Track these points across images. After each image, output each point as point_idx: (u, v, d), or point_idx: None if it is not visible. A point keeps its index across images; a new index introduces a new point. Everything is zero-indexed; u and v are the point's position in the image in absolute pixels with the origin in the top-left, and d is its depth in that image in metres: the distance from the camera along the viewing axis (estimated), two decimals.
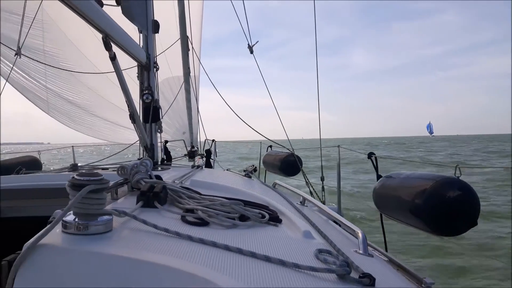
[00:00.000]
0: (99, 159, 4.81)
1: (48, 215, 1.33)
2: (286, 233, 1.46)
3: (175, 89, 6.71)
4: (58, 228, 1.12)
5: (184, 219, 1.43)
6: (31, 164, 3.91)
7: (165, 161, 5.18)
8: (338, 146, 5.16)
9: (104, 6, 3.01)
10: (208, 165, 5.92)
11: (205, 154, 6.19)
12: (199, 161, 6.49)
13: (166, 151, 5.50)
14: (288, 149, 4.89)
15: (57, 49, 5.86)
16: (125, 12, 3.44)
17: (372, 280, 0.99)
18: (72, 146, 6.00)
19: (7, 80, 5.13)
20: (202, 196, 1.75)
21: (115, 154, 5.79)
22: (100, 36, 2.82)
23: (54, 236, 1.07)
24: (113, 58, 3.00)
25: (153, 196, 1.56)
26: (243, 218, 1.51)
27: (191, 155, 6.32)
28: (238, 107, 5.92)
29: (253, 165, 4.22)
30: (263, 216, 1.56)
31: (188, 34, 5.93)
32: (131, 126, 6.52)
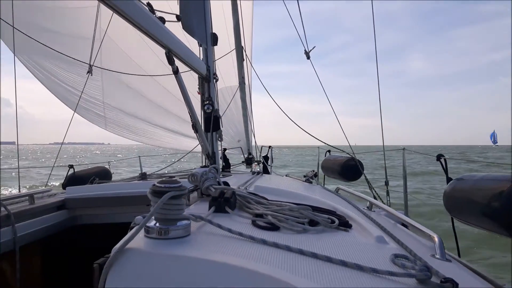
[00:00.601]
0: (162, 166, 5.03)
1: (125, 221, 1.43)
2: (357, 238, 1.45)
3: (228, 98, 6.88)
4: (141, 233, 1.21)
5: (255, 224, 1.48)
6: (103, 175, 4.19)
7: (225, 168, 5.33)
8: (403, 149, 4.98)
9: (166, 22, 3.18)
10: (265, 171, 5.99)
11: (262, 161, 6.26)
12: (255, 167, 6.59)
13: (225, 158, 5.65)
14: (348, 153, 4.82)
15: (116, 64, 6.22)
16: (185, 27, 3.60)
17: (455, 285, 0.96)
18: (139, 157, 6.36)
19: (78, 103, 5.54)
20: (269, 201, 1.79)
21: (175, 161, 6.02)
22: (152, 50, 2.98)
23: (138, 240, 1.15)
24: (176, 71, 3.16)
25: (224, 202, 1.62)
26: (312, 223, 1.52)
27: (248, 161, 6.44)
28: (289, 112, 5.93)
29: (313, 171, 4.21)
30: (333, 221, 1.56)
31: (242, 44, 6.07)
32: (191, 134, 6.80)
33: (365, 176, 4.55)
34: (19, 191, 4.29)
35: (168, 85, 6.41)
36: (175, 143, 7.26)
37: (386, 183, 4.85)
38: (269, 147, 6.48)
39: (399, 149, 4.99)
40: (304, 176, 3.87)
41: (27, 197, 2.58)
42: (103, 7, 5.36)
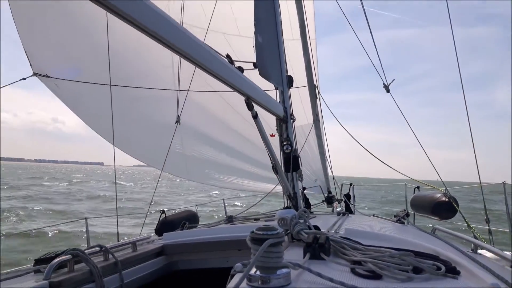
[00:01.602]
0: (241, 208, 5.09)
1: (220, 266, 1.45)
2: (468, 286, 1.31)
3: (299, 137, 6.91)
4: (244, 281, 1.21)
5: (354, 272, 1.40)
6: (192, 218, 4.35)
7: (305, 208, 5.23)
8: (503, 183, 4.51)
9: (244, 71, 3.32)
10: (348, 210, 5.79)
11: (343, 199, 6.07)
12: (337, 206, 6.39)
13: (305, 198, 5.58)
14: (439, 189, 4.48)
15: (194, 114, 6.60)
16: (261, 73, 3.73)
17: None
18: (223, 199, 6.54)
19: (165, 160, 5.94)
20: (365, 246, 1.70)
21: (255, 203, 6.08)
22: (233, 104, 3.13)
23: None
24: (255, 116, 3.26)
25: (319, 248, 1.58)
26: (416, 270, 1.41)
27: (329, 200, 6.27)
28: (360, 142, 5.68)
29: (404, 210, 3.97)
30: (439, 268, 1.43)
31: (315, 82, 6.12)
32: (268, 175, 6.87)
33: (462, 214, 4.16)
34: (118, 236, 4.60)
35: (245, 132, 6.62)
36: (253, 185, 7.37)
37: (487, 221, 4.39)
38: (350, 184, 6.29)
39: (498, 183, 4.52)
40: (395, 216, 3.67)
41: (130, 245, 2.76)
42: (182, 63, 5.80)
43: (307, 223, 1.92)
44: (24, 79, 4.69)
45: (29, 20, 4.89)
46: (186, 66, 5.77)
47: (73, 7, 5.08)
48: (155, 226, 4.20)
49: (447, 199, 4.04)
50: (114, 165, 4.81)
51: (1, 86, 4.09)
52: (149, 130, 6.22)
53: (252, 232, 1.29)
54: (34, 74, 4.99)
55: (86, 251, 2.18)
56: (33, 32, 4.97)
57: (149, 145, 6.43)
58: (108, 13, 1.58)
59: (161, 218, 4.23)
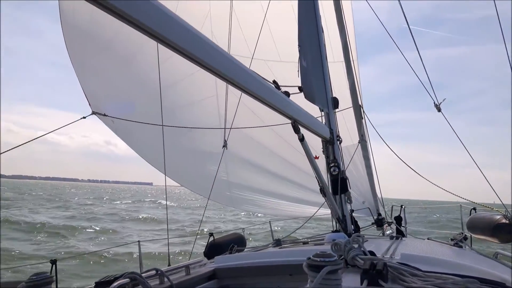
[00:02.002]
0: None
1: None
2: None
3: (346, 159, 6.81)
4: None
5: None
6: (239, 241, 4.36)
7: (354, 231, 5.11)
8: None
9: (290, 95, 3.37)
10: (399, 233, 5.58)
11: (394, 222, 5.86)
12: (387, 229, 6.17)
13: (354, 221, 5.45)
14: (498, 210, 4.22)
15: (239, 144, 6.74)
16: (307, 97, 3.76)
17: None
18: (270, 221, 6.52)
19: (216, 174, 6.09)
20: (425, 273, 1.64)
21: (300, 226, 6.00)
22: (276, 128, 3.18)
23: None
24: (301, 139, 3.27)
25: (377, 275, 1.54)
26: None
27: (379, 223, 6.07)
28: (407, 162, 5.48)
29: (462, 233, 3.77)
30: None
31: (359, 102, 6.05)
32: (314, 199, 6.79)
33: None
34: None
35: (289, 156, 6.63)
36: (299, 211, 7.31)
37: None
38: (401, 206, 6.07)
39: None
40: (452, 240, 3.49)
41: (183, 268, 2.82)
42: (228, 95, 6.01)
43: (362, 248, 1.88)
44: (84, 117, 5.08)
45: (84, 63, 5.34)
46: (232, 95, 5.96)
47: (126, 52, 5.49)
48: (204, 248, 4.25)
49: (507, 221, 3.79)
50: (166, 189, 4.97)
51: (66, 124, 4.39)
52: (196, 159, 6.44)
53: (309, 258, 1.29)
54: (93, 113, 5.42)
55: (142, 274, 2.25)
56: (89, 73, 5.42)
57: (196, 173, 6.64)
58: (160, 52, 1.69)
59: (209, 241, 4.28)
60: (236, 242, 4.00)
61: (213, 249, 4.05)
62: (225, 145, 6.08)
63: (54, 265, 2.77)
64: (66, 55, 5.17)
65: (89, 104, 5.45)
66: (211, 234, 4.33)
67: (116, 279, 2.12)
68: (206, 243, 4.27)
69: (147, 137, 5.79)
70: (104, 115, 5.44)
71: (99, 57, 5.51)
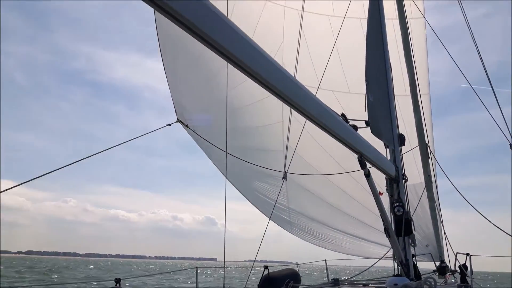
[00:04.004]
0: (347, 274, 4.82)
1: None
2: None
3: (411, 197, 6.50)
4: None
5: None
6: (294, 277, 4.26)
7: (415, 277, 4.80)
8: None
9: (358, 129, 3.32)
10: (464, 282, 5.16)
11: (458, 271, 5.43)
12: (449, 278, 5.73)
13: (414, 266, 5.12)
14: None
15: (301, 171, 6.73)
16: (373, 131, 3.69)
17: None
18: (325, 260, 6.33)
19: (273, 209, 6.12)
20: None
21: (366, 269, 5.73)
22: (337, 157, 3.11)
23: None
24: (368, 175, 3.18)
25: None
26: None
27: (442, 271, 5.66)
28: (485, 227, 5.10)
29: None
30: None
31: (426, 141, 5.80)
32: (375, 239, 6.51)
33: None
34: None
35: (351, 190, 6.49)
36: (357, 249, 7.03)
37: None
38: (467, 254, 5.62)
39: None
40: None
41: None
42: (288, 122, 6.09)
43: None
44: (169, 125, 5.44)
45: (176, 72, 5.76)
46: (296, 121, 6.03)
47: (211, 68, 5.85)
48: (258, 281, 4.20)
49: None
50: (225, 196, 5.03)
51: (150, 131, 4.64)
52: (259, 178, 6.53)
53: None
54: (178, 121, 5.80)
55: None
56: (178, 83, 5.85)
57: (258, 191, 6.72)
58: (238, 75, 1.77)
59: (264, 274, 4.22)
60: (291, 278, 3.91)
61: (268, 282, 3.99)
62: (284, 177, 6.10)
63: (118, 284, 2.84)
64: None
65: (175, 112, 5.83)
66: (266, 267, 4.28)
67: None
68: (260, 276, 4.22)
69: (219, 151, 6.07)
70: (187, 126, 5.78)
71: (188, 69, 5.92)
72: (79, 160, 3.76)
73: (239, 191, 6.60)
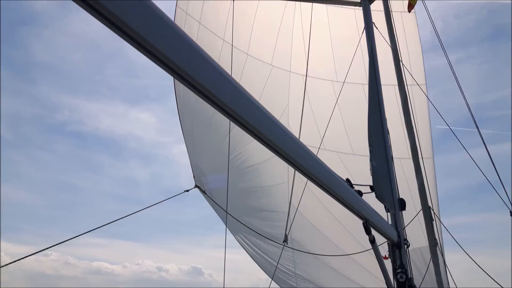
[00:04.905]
0: None
1: None
2: None
3: (418, 262, 6.38)
4: None
5: None
6: None
7: None
8: None
9: (363, 195, 3.40)
10: None
11: None
12: None
13: None
14: None
15: (305, 237, 6.73)
16: (378, 196, 3.77)
17: None
18: None
19: (273, 276, 6.09)
20: None
21: None
22: (341, 220, 3.15)
23: None
24: (372, 241, 3.22)
25: None
26: None
27: None
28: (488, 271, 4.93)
29: None
30: None
31: (430, 204, 5.83)
32: None
33: None
34: None
35: (356, 257, 6.44)
36: None
37: None
38: None
39: None
40: None
41: None
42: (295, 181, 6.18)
43: None
44: (187, 191, 5.53)
45: (193, 137, 5.99)
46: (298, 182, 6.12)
47: (223, 128, 6.11)
48: None
49: None
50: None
51: (169, 197, 4.73)
52: (263, 240, 6.54)
53: None
54: (196, 186, 5.93)
55: None
56: (195, 147, 6.05)
57: (261, 250, 6.69)
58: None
59: None
60: None
61: None
62: (285, 240, 6.10)
63: None
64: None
65: (193, 177, 5.94)
66: None
67: None
68: None
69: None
70: (204, 192, 5.90)
71: (203, 131, 6.14)
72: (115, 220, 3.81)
73: (245, 251, 6.56)
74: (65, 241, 3.33)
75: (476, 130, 5.63)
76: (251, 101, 1.67)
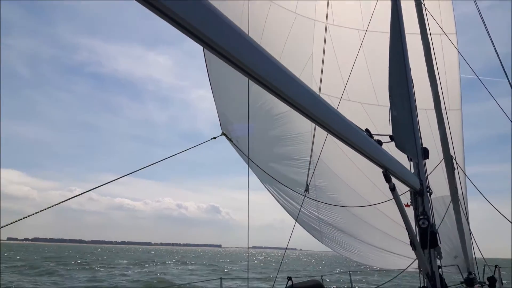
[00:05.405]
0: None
1: None
2: None
3: (439, 209, 6.46)
4: None
5: None
6: None
7: None
8: None
9: (383, 144, 3.43)
10: None
11: (487, 283, 5.40)
12: None
13: (440, 278, 5.13)
14: None
15: (328, 185, 6.84)
16: (398, 145, 3.79)
17: None
18: (349, 272, 6.38)
19: (297, 217, 6.25)
20: None
21: (387, 281, 5.75)
22: (364, 169, 3.20)
23: None
24: (393, 188, 3.29)
25: None
26: None
27: (469, 283, 5.64)
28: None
29: None
30: None
31: (452, 153, 5.82)
32: (401, 252, 6.53)
33: None
34: None
35: (375, 199, 6.54)
36: (383, 262, 7.06)
37: None
38: (496, 266, 5.58)
39: None
40: None
41: None
42: (317, 132, 6.19)
43: None
44: (214, 138, 5.65)
45: (219, 85, 6.02)
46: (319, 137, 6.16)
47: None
48: None
49: None
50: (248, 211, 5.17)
51: (197, 144, 4.85)
52: (288, 182, 6.70)
53: None
54: (223, 134, 6.05)
55: None
56: (222, 95, 6.10)
57: (286, 194, 6.89)
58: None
59: (287, 285, 4.29)
60: None
61: None
62: (306, 189, 6.23)
63: None
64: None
65: (220, 124, 6.05)
66: (289, 278, 4.33)
67: None
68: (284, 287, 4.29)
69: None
70: (230, 139, 6.03)
71: (230, 77, 6.15)
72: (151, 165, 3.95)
73: (272, 195, 6.77)
74: (107, 183, 3.51)
75: (506, 79, 5.47)
76: (261, 52, 1.66)
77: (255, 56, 1.63)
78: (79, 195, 3.23)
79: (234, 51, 1.50)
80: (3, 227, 2.41)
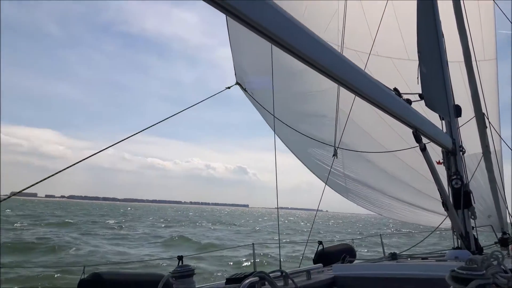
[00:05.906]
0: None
1: None
2: None
3: (472, 168, 6.24)
4: None
5: None
6: (349, 252, 4.30)
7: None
8: None
9: (412, 103, 3.28)
10: None
11: None
12: None
13: (474, 238, 5.03)
14: None
15: (356, 140, 6.68)
16: (428, 104, 3.62)
17: None
18: (380, 235, 6.32)
19: (326, 181, 6.18)
20: None
21: (421, 240, 5.67)
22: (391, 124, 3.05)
23: None
24: (423, 149, 3.16)
25: None
26: None
27: (504, 242, 5.51)
28: None
29: None
30: None
31: (484, 110, 5.56)
32: (432, 208, 6.39)
33: None
34: None
35: (406, 158, 6.37)
36: (413, 217, 6.96)
37: None
38: None
39: None
40: None
41: (304, 273, 2.94)
42: (342, 89, 5.99)
43: (502, 266, 1.79)
44: (228, 88, 5.60)
45: (238, 37, 5.89)
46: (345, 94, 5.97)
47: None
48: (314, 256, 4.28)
49: None
50: (276, 184, 5.15)
51: (212, 95, 4.83)
52: (313, 145, 6.60)
53: (453, 271, 1.29)
54: (237, 83, 5.97)
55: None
56: (240, 46, 5.99)
57: (314, 156, 6.83)
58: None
59: (318, 249, 4.29)
60: (347, 253, 3.98)
61: (323, 257, 4.07)
62: (335, 154, 6.11)
63: (180, 261, 3.01)
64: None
65: (235, 74, 5.97)
66: (320, 243, 4.33)
67: (246, 277, 2.25)
68: (315, 251, 4.30)
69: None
70: (245, 89, 5.94)
71: (250, 34, 6.00)
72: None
73: (295, 155, 6.70)
74: (120, 141, 3.53)
75: None
76: (284, 16, 1.61)
77: (267, 13, 1.57)
78: (98, 152, 3.23)
79: (252, 13, 1.47)
80: (38, 182, 2.49)
